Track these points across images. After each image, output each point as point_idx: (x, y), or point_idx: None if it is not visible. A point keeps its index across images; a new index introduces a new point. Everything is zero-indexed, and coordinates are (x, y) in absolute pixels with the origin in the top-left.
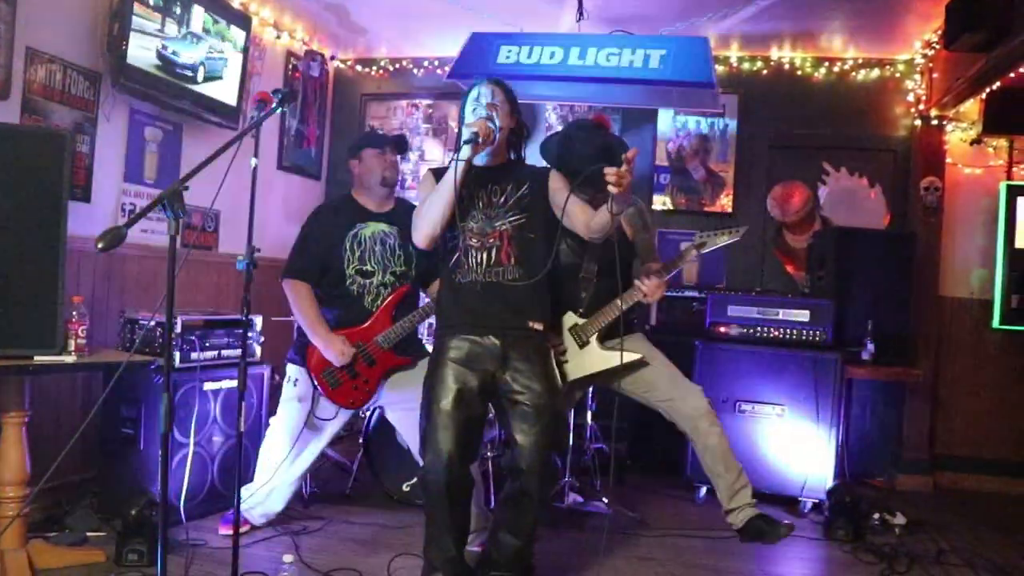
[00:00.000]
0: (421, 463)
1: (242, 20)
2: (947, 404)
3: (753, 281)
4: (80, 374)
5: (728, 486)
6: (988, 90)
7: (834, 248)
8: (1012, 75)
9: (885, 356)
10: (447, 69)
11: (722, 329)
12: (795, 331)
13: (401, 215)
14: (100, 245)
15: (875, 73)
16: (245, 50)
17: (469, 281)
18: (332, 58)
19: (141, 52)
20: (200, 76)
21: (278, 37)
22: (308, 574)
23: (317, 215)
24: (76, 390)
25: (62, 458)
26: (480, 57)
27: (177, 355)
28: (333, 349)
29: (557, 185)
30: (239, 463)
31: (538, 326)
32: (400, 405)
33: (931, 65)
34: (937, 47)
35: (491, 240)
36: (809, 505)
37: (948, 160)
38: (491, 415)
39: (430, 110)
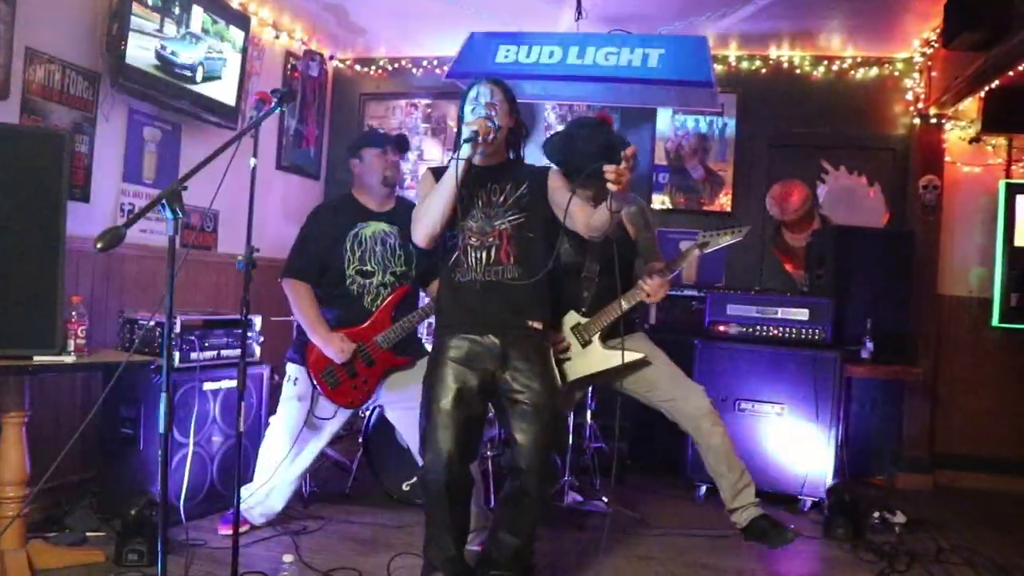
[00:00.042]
0: (421, 462)
1: (241, 20)
2: (946, 402)
3: (752, 280)
4: (80, 374)
5: (731, 485)
6: (987, 88)
7: (833, 247)
8: (1011, 73)
9: (884, 354)
10: (446, 69)
11: (721, 328)
12: (794, 330)
13: (402, 214)
14: (99, 245)
15: (874, 72)
16: (244, 50)
17: (468, 280)
18: (331, 58)
19: (140, 52)
20: (199, 76)
21: (277, 37)
22: (308, 574)
23: (317, 214)
24: (76, 390)
25: (62, 458)
26: (479, 57)
27: (176, 355)
28: (332, 347)
29: (556, 184)
30: (239, 463)
31: (538, 325)
32: (399, 404)
33: (930, 64)
34: (936, 46)
35: (490, 239)
36: (809, 504)
37: (947, 158)
38: (491, 414)
39: (429, 110)
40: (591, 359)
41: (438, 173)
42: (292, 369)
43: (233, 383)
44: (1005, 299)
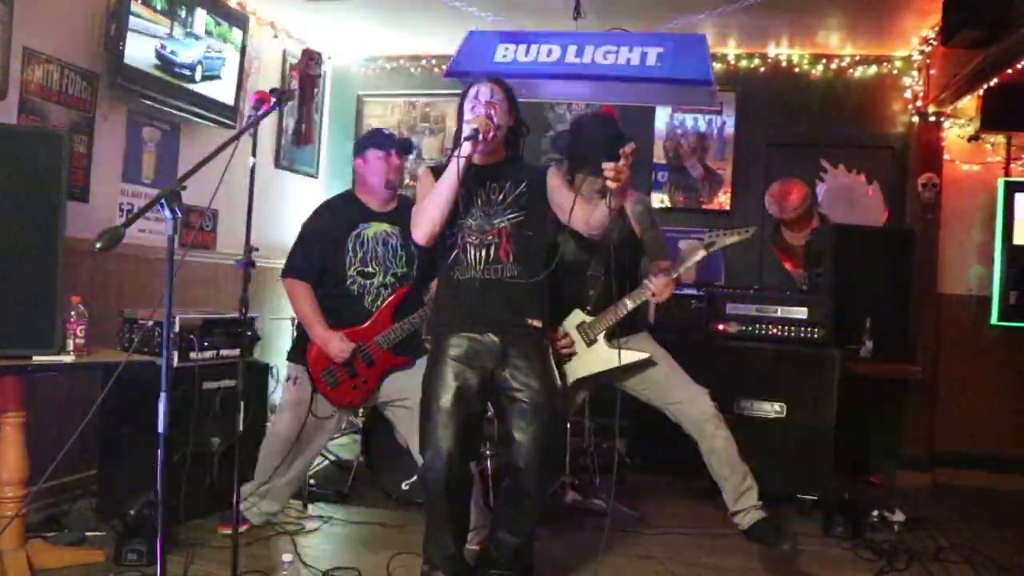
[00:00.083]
0: (420, 461)
1: (239, 19)
2: (946, 401)
3: (751, 278)
4: (79, 374)
5: (734, 488)
6: (985, 86)
7: (832, 245)
8: (1010, 71)
9: (883, 353)
10: (444, 67)
11: (720, 327)
12: (793, 328)
13: (404, 214)
14: (98, 245)
15: (872, 70)
16: (242, 49)
17: (468, 278)
18: (329, 57)
19: (139, 52)
20: (198, 76)
21: (275, 36)
22: (307, 573)
23: (319, 214)
24: (75, 390)
25: (61, 458)
26: (477, 55)
27: (176, 354)
28: (332, 347)
29: (555, 183)
30: (238, 462)
31: (537, 323)
32: (399, 403)
33: (928, 61)
34: (934, 43)
35: (490, 237)
36: (808, 502)
37: (946, 156)
38: (489, 413)
39: (427, 109)
40: (596, 358)
41: (437, 172)
42: (292, 369)
43: (232, 382)
44: (1004, 297)
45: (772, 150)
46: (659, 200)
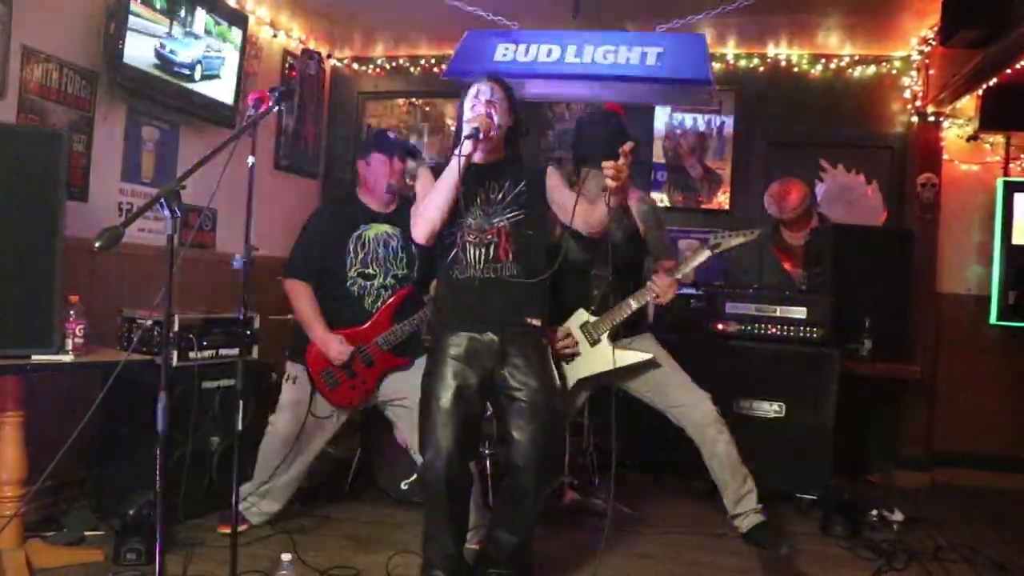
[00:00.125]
0: (420, 460)
1: (239, 19)
2: (944, 400)
3: (750, 278)
4: (78, 373)
5: (734, 492)
6: (985, 86)
7: (831, 245)
8: (1008, 71)
9: (882, 352)
10: (444, 67)
11: (720, 326)
12: (792, 328)
13: (405, 216)
14: (98, 244)
15: (871, 70)
16: (242, 49)
17: (467, 277)
18: (329, 56)
19: (138, 51)
20: (197, 75)
21: (275, 36)
22: (307, 572)
23: (320, 215)
24: (73, 389)
25: (60, 457)
26: (476, 55)
27: (175, 354)
28: (331, 349)
29: (554, 182)
30: (237, 462)
31: (536, 322)
32: (399, 403)
33: (927, 61)
34: (933, 43)
35: (489, 236)
36: (807, 502)
37: (945, 156)
38: (489, 412)
39: (427, 108)
40: (599, 358)
41: (436, 171)
42: (291, 368)
43: (231, 382)
44: (1003, 297)
45: (771, 150)
46: (658, 200)
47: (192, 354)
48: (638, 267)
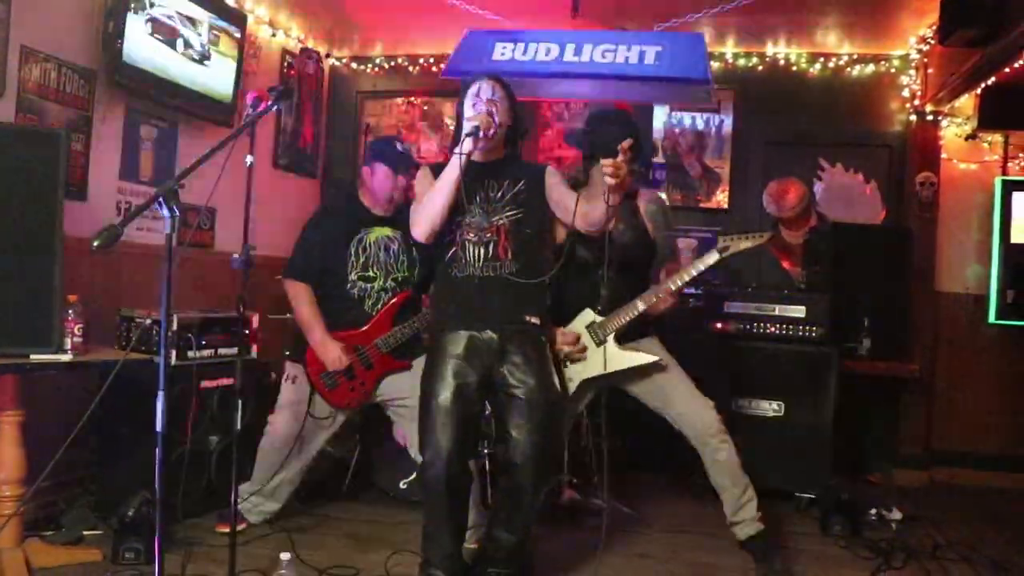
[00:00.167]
0: (420, 459)
1: (238, 18)
2: (943, 399)
3: (749, 277)
4: (76, 372)
5: (734, 500)
6: (983, 85)
7: (830, 244)
8: (1007, 70)
9: (881, 351)
10: (443, 66)
11: (718, 325)
12: (792, 327)
13: (405, 218)
14: (96, 243)
15: (870, 69)
16: (241, 48)
17: (466, 275)
18: (327, 56)
19: (136, 50)
20: (196, 74)
21: (273, 35)
22: (305, 572)
23: (321, 216)
24: (72, 388)
25: (58, 456)
26: (475, 54)
27: (174, 353)
28: (329, 354)
29: (554, 181)
30: (235, 461)
31: (535, 320)
32: (399, 402)
33: (926, 60)
34: (932, 42)
35: (488, 235)
36: (805, 501)
37: (943, 155)
38: (487, 411)
39: (426, 108)
40: (605, 358)
41: (436, 170)
42: (291, 368)
43: (230, 381)
44: (1001, 296)
45: (770, 148)
46: None
47: (191, 353)
48: (646, 267)
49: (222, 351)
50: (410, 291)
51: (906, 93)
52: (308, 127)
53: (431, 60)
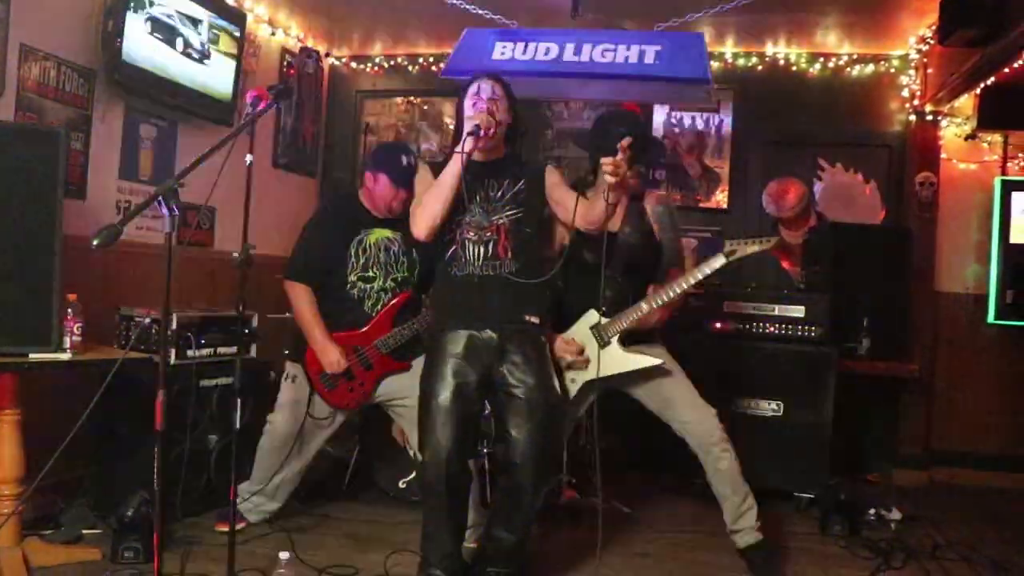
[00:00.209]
0: (420, 459)
1: (237, 17)
2: (942, 399)
3: (748, 277)
4: (75, 371)
5: (734, 508)
6: (982, 85)
7: (830, 244)
8: (1007, 70)
9: (881, 351)
10: (442, 66)
11: (717, 325)
12: (790, 327)
13: (405, 220)
14: (96, 242)
15: (870, 68)
16: (240, 47)
17: (466, 274)
18: (327, 55)
19: (136, 49)
20: (196, 73)
21: (273, 34)
22: (304, 571)
23: (321, 217)
24: (71, 387)
25: (57, 456)
26: (475, 54)
27: (173, 352)
28: (329, 357)
29: (554, 180)
30: (235, 460)
31: (535, 320)
32: (399, 402)
33: (926, 60)
34: (931, 42)
35: (488, 234)
36: (805, 501)
37: (943, 155)
38: (487, 410)
39: (425, 107)
40: (609, 360)
41: (435, 168)
42: (290, 367)
43: (229, 380)
44: (1001, 296)
45: (770, 148)
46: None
47: (190, 352)
48: (652, 270)
49: (221, 350)
50: (410, 292)
51: (906, 93)
52: (308, 126)
53: (431, 59)
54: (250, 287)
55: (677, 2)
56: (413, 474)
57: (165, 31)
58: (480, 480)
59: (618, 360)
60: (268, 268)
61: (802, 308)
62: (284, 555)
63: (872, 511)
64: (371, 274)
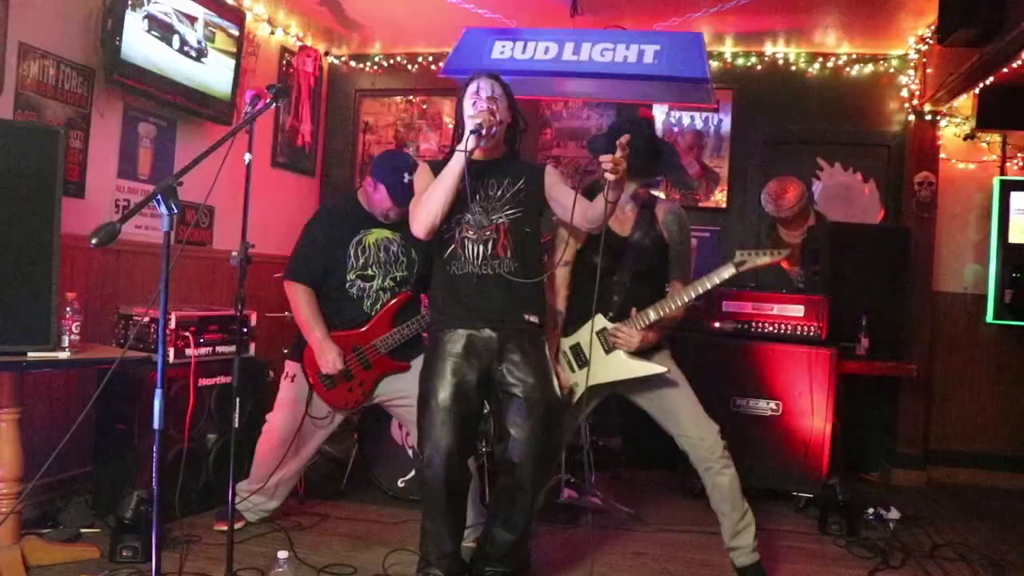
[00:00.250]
0: (420, 457)
1: (236, 16)
2: (941, 399)
3: (747, 276)
4: (75, 370)
5: (732, 525)
6: (981, 85)
7: (828, 243)
8: (1006, 70)
9: (879, 351)
10: (441, 65)
11: (716, 324)
12: (789, 326)
13: (404, 221)
14: (94, 241)
15: (869, 68)
16: (239, 46)
17: (465, 273)
18: (326, 54)
19: (134, 47)
20: (195, 71)
21: (272, 33)
22: (303, 570)
23: (321, 219)
24: (70, 386)
25: (56, 454)
26: (474, 53)
27: (171, 351)
28: (326, 358)
29: (553, 180)
30: (233, 459)
31: (534, 319)
32: (398, 402)
33: (925, 60)
34: (931, 42)
35: (488, 232)
36: (803, 500)
37: (942, 155)
38: (486, 409)
39: (424, 106)
40: (613, 366)
41: (435, 167)
42: (290, 367)
43: (228, 379)
44: (1000, 295)
45: (769, 148)
46: None
47: (189, 351)
48: (662, 277)
49: (220, 349)
50: (410, 292)
51: (905, 93)
52: (306, 125)
53: (430, 58)
54: (249, 286)
55: (677, 2)
56: (412, 473)
57: (162, 28)
58: (479, 479)
59: (623, 366)
60: (267, 267)
61: (801, 307)
62: (282, 554)
63: (870, 511)
64: (370, 273)
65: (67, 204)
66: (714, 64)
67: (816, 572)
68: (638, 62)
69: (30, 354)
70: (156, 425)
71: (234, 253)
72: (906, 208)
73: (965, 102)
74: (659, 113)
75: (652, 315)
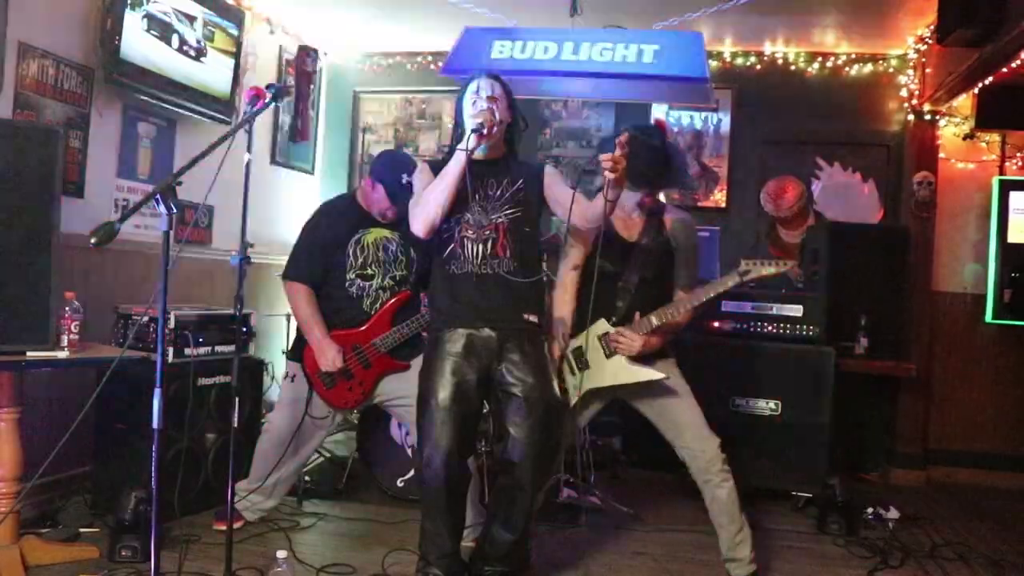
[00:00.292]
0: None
1: (235, 15)
2: (940, 398)
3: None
4: (74, 369)
5: (729, 537)
6: (981, 85)
7: (827, 243)
8: (1005, 70)
9: (878, 351)
10: (440, 64)
11: (716, 324)
12: (789, 326)
13: (403, 220)
14: (93, 240)
15: (868, 68)
16: (238, 45)
17: (464, 272)
18: (325, 53)
19: (134, 47)
20: (194, 71)
21: (271, 32)
22: (302, 570)
23: (320, 219)
24: (70, 386)
25: (55, 454)
26: (473, 52)
27: (171, 350)
28: (325, 355)
29: (553, 179)
30: (232, 459)
31: (533, 319)
32: (398, 401)
33: (924, 60)
34: (930, 42)
35: (487, 232)
36: (803, 500)
37: (941, 155)
38: (486, 409)
39: (424, 105)
40: (614, 371)
41: (435, 166)
42: (290, 366)
43: (227, 378)
44: (999, 295)
45: (768, 147)
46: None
47: (188, 351)
48: (668, 282)
49: (219, 348)
50: (409, 291)
51: (904, 92)
52: (306, 124)
53: (429, 58)
54: (248, 285)
55: (676, 1)
56: (411, 473)
57: (161, 28)
58: (479, 479)
59: (624, 371)
60: (266, 266)
61: (800, 307)
62: (281, 554)
63: (870, 510)
64: (369, 272)
65: (66, 204)
66: (713, 64)
67: (815, 572)
68: (637, 62)
69: (29, 353)
70: (155, 425)
71: (233, 252)
72: (905, 208)
73: (964, 102)
74: (659, 113)
75: (654, 321)
